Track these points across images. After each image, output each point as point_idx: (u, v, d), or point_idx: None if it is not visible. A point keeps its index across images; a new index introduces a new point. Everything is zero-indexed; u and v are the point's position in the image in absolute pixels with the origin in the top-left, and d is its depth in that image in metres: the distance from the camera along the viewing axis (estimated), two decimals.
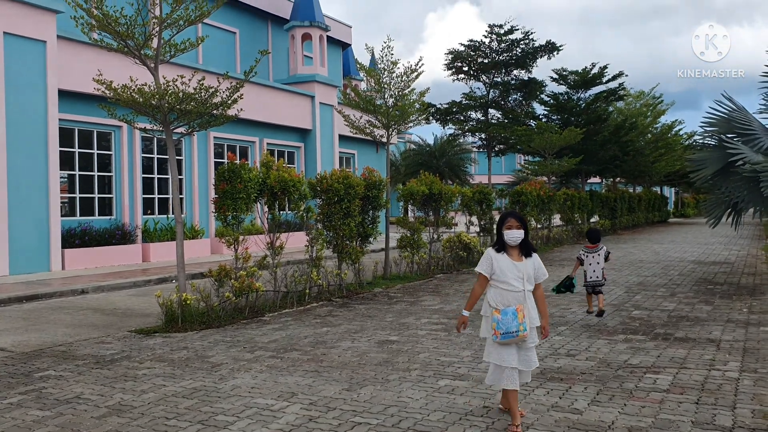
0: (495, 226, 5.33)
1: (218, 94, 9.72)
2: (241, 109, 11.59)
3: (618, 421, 4.93)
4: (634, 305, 10.49)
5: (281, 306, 10.48)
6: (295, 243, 12.33)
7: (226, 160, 9.93)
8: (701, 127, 14.90)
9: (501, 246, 4.94)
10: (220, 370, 6.58)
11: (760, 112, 14.82)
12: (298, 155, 25.51)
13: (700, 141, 17.35)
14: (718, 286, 12.66)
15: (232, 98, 9.89)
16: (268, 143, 23.75)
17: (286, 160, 24.53)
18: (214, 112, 9.89)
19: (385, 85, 14.71)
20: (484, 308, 5.00)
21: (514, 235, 4.87)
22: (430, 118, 30.89)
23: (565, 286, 9.58)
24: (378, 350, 7.43)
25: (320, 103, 25.52)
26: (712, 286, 12.75)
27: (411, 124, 15.98)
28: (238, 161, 9.90)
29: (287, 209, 11.42)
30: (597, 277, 9.66)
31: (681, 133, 45.09)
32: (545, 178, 28.40)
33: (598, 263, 9.65)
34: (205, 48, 22.01)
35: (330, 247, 12.02)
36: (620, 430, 4.75)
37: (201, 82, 9.48)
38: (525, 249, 4.93)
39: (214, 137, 21.47)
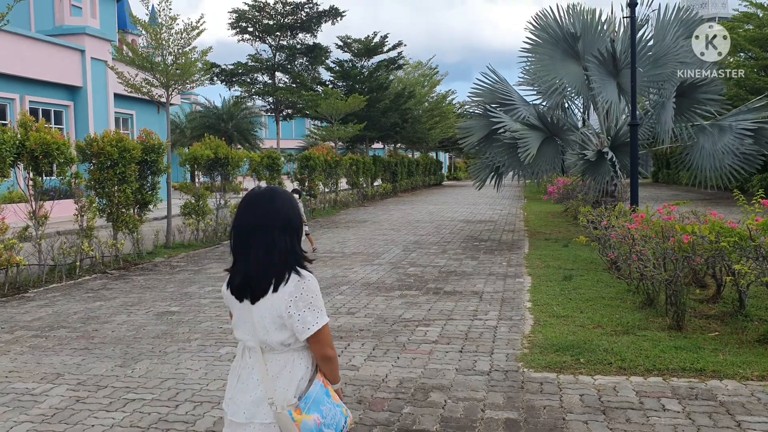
0: None
1: None
2: None
3: (391, 374, 5.25)
4: (410, 262, 11.20)
5: (48, 281, 9.64)
6: (65, 212, 11.32)
7: None
8: (469, 97, 16.21)
9: None
10: None
11: (520, 84, 16.48)
12: (68, 115, 23.21)
13: (469, 110, 18.81)
14: (482, 243, 13.95)
15: None
16: (30, 101, 21.29)
17: (54, 121, 22.29)
18: None
19: (164, 42, 13.91)
20: None
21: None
22: (215, 78, 29.90)
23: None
24: (156, 322, 7.14)
25: (92, 58, 23.34)
26: (478, 242, 14.02)
27: (193, 84, 15.35)
28: None
29: (54, 175, 10.43)
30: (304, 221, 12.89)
31: (454, 102, 48.42)
32: (333, 143, 28.98)
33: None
34: None
35: (104, 215, 11.23)
36: (393, 382, 5.06)
37: None
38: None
39: None
